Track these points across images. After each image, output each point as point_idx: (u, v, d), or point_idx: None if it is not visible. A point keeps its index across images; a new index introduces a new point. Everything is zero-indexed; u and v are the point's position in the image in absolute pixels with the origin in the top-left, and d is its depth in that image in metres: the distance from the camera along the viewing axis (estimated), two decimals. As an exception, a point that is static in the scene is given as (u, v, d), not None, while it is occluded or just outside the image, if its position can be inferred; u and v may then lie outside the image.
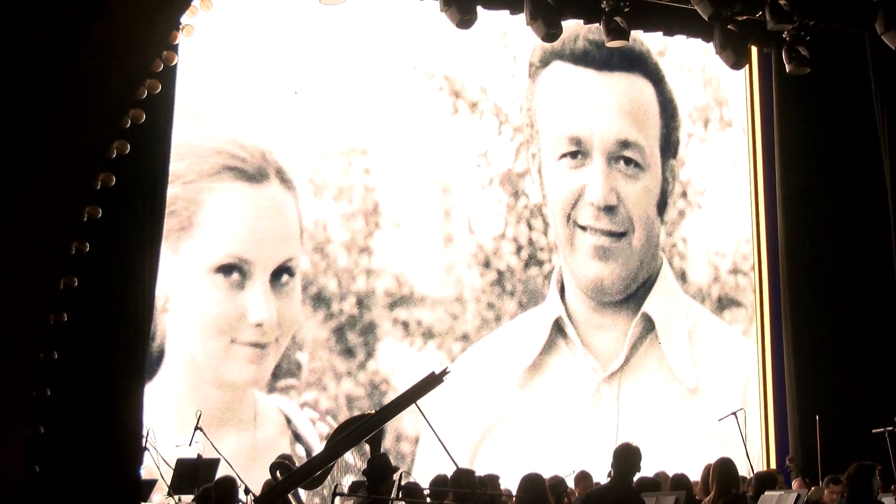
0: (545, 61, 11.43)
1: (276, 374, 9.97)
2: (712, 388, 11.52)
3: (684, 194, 12.03)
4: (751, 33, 10.15)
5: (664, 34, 10.82)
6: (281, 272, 10.07)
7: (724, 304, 12.08)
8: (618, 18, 9.33)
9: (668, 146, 11.91)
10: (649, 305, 11.53)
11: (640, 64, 11.80)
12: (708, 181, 12.19)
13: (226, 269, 9.88)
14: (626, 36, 9.52)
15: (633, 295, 11.52)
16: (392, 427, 10.10)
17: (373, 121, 10.63)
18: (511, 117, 11.24)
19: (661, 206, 11.82)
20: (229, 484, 6.85)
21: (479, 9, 9.29)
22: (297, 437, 9.93)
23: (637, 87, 11.79)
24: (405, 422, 10.20)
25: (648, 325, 11.49)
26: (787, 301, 11.32)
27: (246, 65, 10.20)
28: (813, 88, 10.98)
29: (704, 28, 10.24)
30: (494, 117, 11.17)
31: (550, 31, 8.98)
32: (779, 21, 9.35)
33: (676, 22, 10.52)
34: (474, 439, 10.55)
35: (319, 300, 10.29)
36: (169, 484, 7.47)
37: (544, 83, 11.52)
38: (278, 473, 6.86)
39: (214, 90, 10.04)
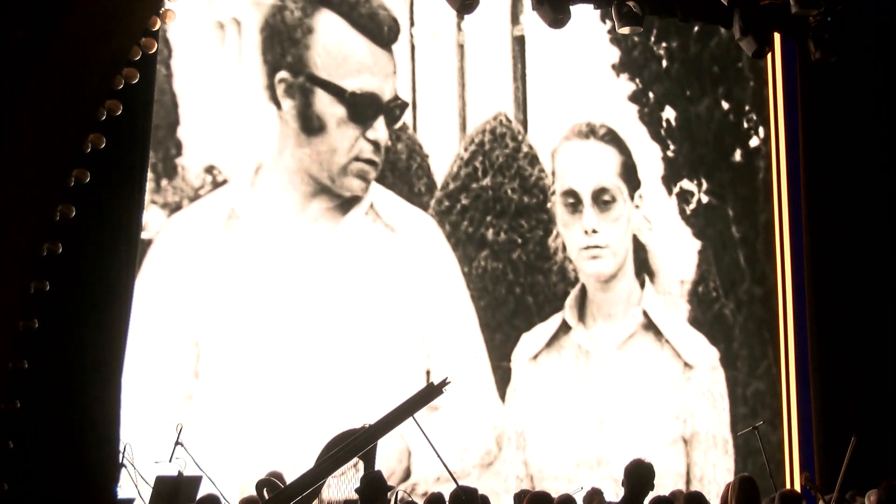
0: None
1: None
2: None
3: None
4: (774, 19, 11.12)
5: (680, 20, 11.73)
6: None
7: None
8: (630, 3, 10.32)
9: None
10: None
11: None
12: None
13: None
14: (639, 21, 10.55)
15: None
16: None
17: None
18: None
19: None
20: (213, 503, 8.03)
21: (484, -5, 10.19)
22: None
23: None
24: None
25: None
26: (812, 307, 12.43)
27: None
28: (840, 77, 12.09)
29: (724, 13, 11.13)
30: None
31: (558, 17, 10.06)
32: (804, 5, 10.30)
33: (694, 6, 11.36)
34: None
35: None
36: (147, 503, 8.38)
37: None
38: (265, 492, 7.82)
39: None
